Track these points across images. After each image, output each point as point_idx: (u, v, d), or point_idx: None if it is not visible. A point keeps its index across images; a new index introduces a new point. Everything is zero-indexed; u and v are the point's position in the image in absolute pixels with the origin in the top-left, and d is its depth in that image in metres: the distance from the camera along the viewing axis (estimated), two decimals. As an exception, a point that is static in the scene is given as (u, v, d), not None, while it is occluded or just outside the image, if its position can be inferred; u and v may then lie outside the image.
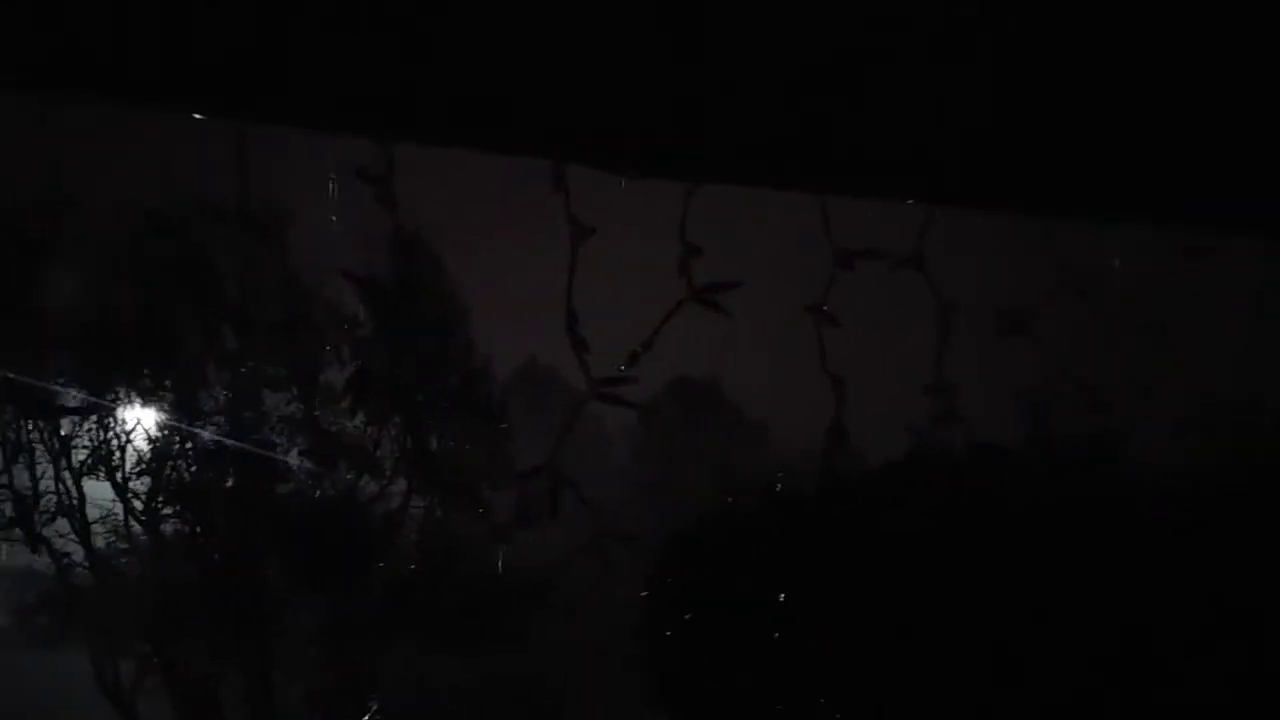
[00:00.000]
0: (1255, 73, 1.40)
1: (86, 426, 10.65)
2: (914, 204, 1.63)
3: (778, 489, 6.42)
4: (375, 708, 11.53)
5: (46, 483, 10.69)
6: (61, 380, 10.47)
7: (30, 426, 10.54)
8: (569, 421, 1.75)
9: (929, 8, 1.32)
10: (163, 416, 10.83)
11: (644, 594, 7.07)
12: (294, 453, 10.94)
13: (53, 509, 10.74)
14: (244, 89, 1.28)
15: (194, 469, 10.87)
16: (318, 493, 11.08)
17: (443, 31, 1.24)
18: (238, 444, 10.72)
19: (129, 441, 10.74)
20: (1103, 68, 1.38)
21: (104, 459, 10.69)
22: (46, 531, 10.72)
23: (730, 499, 6.53)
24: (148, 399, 10.75)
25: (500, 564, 10.88)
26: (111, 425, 10.69)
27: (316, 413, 10.96)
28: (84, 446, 10.69)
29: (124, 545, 10.93)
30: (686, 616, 6.52)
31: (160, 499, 10.90)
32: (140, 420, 10.78)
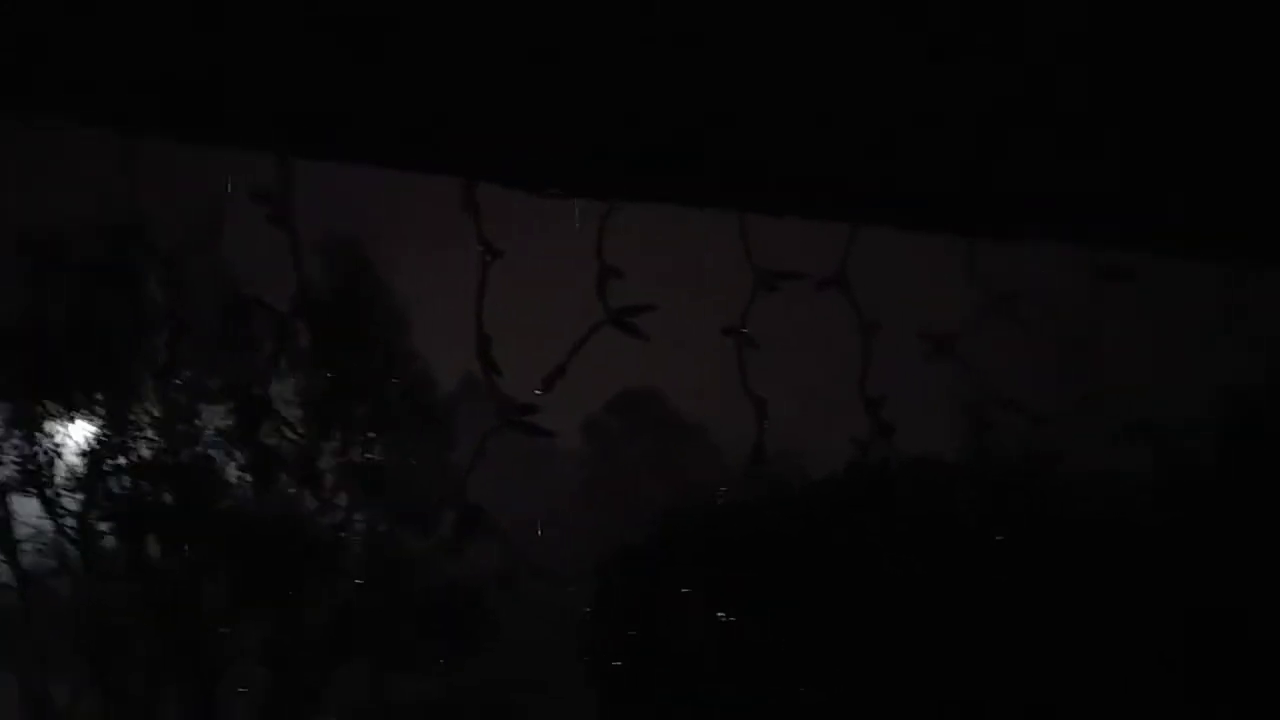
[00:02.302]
0: (1181, 92, 1.36)
1: (13, 441, 10.32)
2: (837, 223, 1.57)
3: (719, 502, 6.39)
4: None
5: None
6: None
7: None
8: (479, 450, 1.66)
9: (857, 24, 1.26)
10: (95, 430, 10.52)
11: (588, 609, 7.03)
12: (232, 467, 10.69)
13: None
14: (137, 100, 1.20)
15: (128, 484, 10.57)
16: (258, 508, 10.83)
17: (351, 42, 1.15)
18: (174, 458, 10.45)
19: (59, 456, 10.42)
20: (1023, 82, 1.32)
21: (32, 475, 10.36)
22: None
23: (669, 514, 6.49)
24: (79, 412, 10.44)
25: (446, 578, 10.72)
26: (39, 439, 10.36)
27: (255, 426, 10.72)
28: (11, 462, 10.36)
29: (55, 564, 10.59)
30: (630, 633, 6.47)
31: (94, 515, 10.59)
32: (71, 434, 10.47)
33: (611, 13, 1.25)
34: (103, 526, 10.64)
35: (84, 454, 10.52)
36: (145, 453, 10.59)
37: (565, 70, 1.28)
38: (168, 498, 10.65)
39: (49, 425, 10.43)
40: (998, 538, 5.35)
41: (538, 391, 1.65)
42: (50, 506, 10.50)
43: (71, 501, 10.54)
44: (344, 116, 1.29)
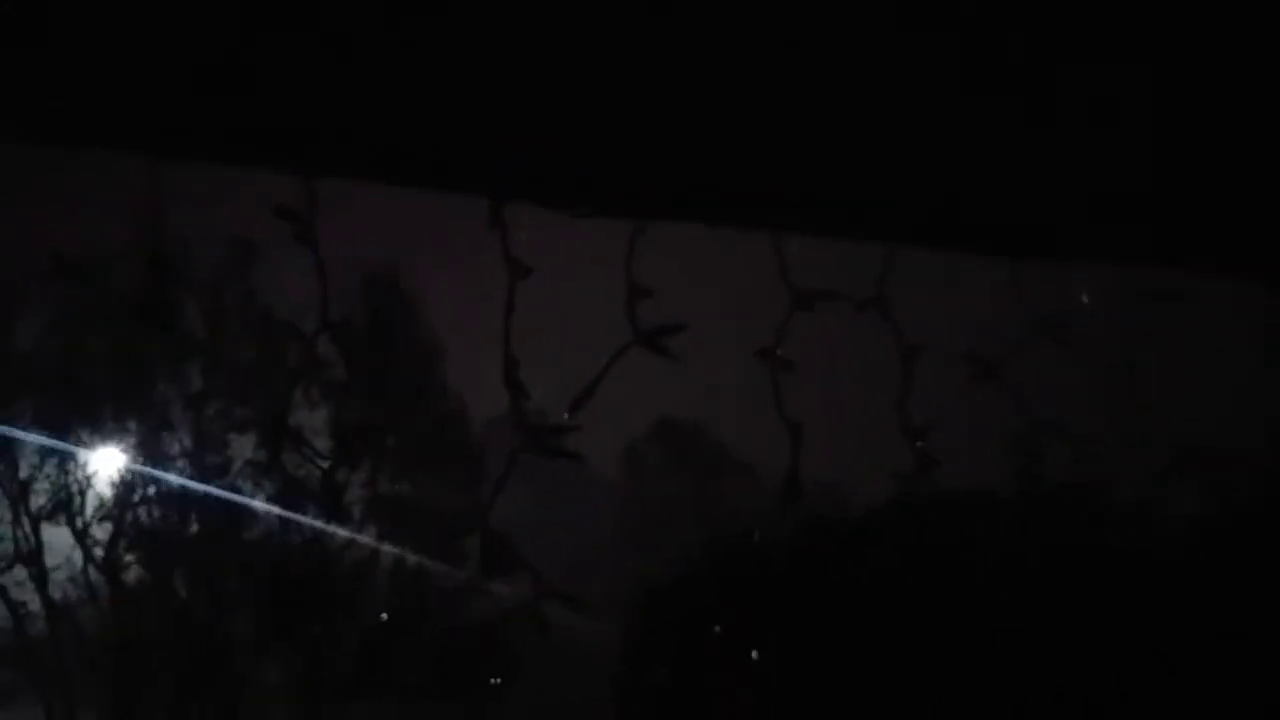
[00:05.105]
0: (1223, 105, 1.24)
1: (46, 470, 10.36)
2: (875, 244, 1.46)
3: (756, 538, 6.22)
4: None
5: (3, 529, 10.38)
6: (21, 423, 10.19)
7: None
8: (503, 477, 1.55)
9: (889, 45, 1.15)
10: (126, 460, 10.55)
11: (619, 647, 6.86)
12: (261, 498, 10.67)
13: (9, 556, 10.41)
14: (153, 121, 1.11)
15: (157, 515, 10.57)
16: (285, 540, 10.79)
17: (374, 59, 1.07)
18: (203, 489, 10.45)
19: (90, 486, 10.45)
20: (1065, 100, 1.22)
21: (64, 504, 10.38)
22: (2, 580, 10.39)
23: (706, 550, 6.34)
24: (111, 442, 10.48)
25: (473, 614, 10.59)
26: (71, 469, 10.40)
27: (285, 457, 10.70)
28: (43, 491, 10.40)
29: (84, 594, 10.59)
30: (663, 671, 6.31)
31: (122, 545, 10.59)
32: (102, 464, 10.50)
33: (637, 28, 1.16)
34: (130, 557, 10.64)
35: (115, 484, 10.55)
36: (175, 483, 10.60)
37: (595, 85, 1.19)
38: (196, 528, 10.64)
39: (81, 455, 10.48)
40: (1046, 572, 5.16)
41: (565, 416, 1.53)
42: (80, 536, 10.52)
43: (101, 531, 10.55)
44: (366, 134, 1.21)
